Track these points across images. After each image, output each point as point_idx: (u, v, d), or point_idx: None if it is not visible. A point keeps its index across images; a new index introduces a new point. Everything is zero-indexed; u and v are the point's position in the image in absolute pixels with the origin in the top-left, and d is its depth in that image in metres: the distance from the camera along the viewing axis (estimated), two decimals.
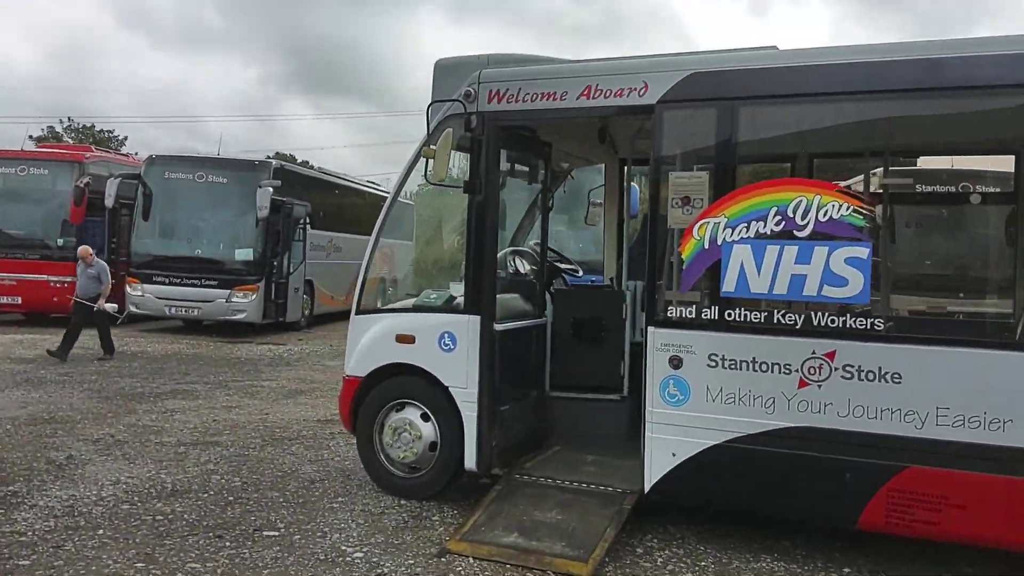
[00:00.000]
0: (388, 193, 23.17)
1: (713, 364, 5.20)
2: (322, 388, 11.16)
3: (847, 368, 4.88)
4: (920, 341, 4.80)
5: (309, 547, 5.17)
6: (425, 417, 6.12)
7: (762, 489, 5.11)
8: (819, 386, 4.95)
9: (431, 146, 5.75)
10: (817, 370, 4.96)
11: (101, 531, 5.38)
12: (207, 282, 16.18)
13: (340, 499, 6.16)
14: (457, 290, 6.07)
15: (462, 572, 4.83)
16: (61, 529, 5.38)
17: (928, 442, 4.72)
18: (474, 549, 5.09)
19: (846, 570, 4.97)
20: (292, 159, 26.96)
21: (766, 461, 5.05)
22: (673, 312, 5.32)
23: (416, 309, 6.28)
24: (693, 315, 5.27)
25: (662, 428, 5.32)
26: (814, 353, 4.96)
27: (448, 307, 6.13)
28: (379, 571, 4.81)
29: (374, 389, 6.31)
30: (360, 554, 5.07)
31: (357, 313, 6.52)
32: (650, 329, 5.37)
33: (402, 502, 6.08)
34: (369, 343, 6.34)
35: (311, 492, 6.34)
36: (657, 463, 5.33)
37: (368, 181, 24.68)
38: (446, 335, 5.99)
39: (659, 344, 5.34)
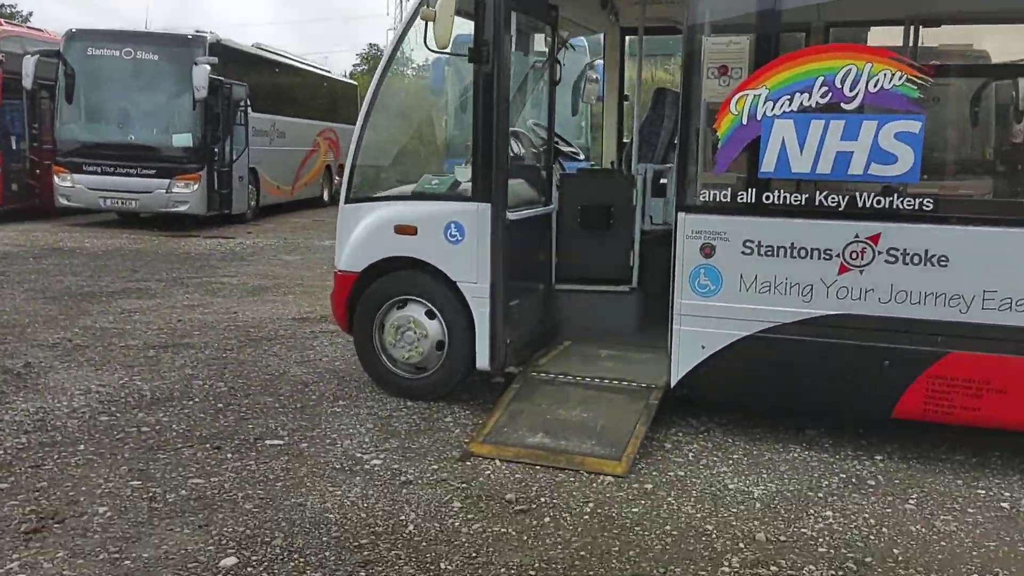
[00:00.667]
0: (331, 74, 22.27)
1: (748, 251, 5.14)
2: (287, 284, 10.93)
3: (891, 252, 4.87)
4: (970, 222, 4.78)
5: (320, 455, 5.10)
6: (430, 314, 6.00)
7: (795, 380, 5.16)
8: (861, 271, 4.94)
9: (430, 7, 5.38)
10: (859, 254, 4.94)
11: (82, 446, 5.18)
12: (144, 171, 15.54)
13: (341, 403, 6.07)
14: (463, 175, 5.84)
15: (491, 476, 4.82)
16: (36, 446, 5.16)
17: (972, 326, 4.77)
18: (499, 451, 5.07)
19: (878, 457, 5.09)
20: None
21: (801, 351, 5.08)
22: (706, 196, 5.22)
23: (417, 197, 6.06)
24: (728, 199, 5.16)
25: (691, 320, 5.30)
26: (857, 237, 4.92)
27: (454, 194, 5.91)
28: (403, 478, 4.77)
29: (372, 285, 6.15)
30: (378, 461, 5.02)
31: (347, 202, 6.29)
32: (680, 216, 5.27)
33: (409, 404, 6.02)
34: (364, 235, 6.13)
35: (307, 396, 6.24)
36: (685, 356, 5.33)
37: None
38: (452, 225, 5.81)
39: (690, 231, 5.25)
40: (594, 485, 4.69)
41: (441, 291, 5.92)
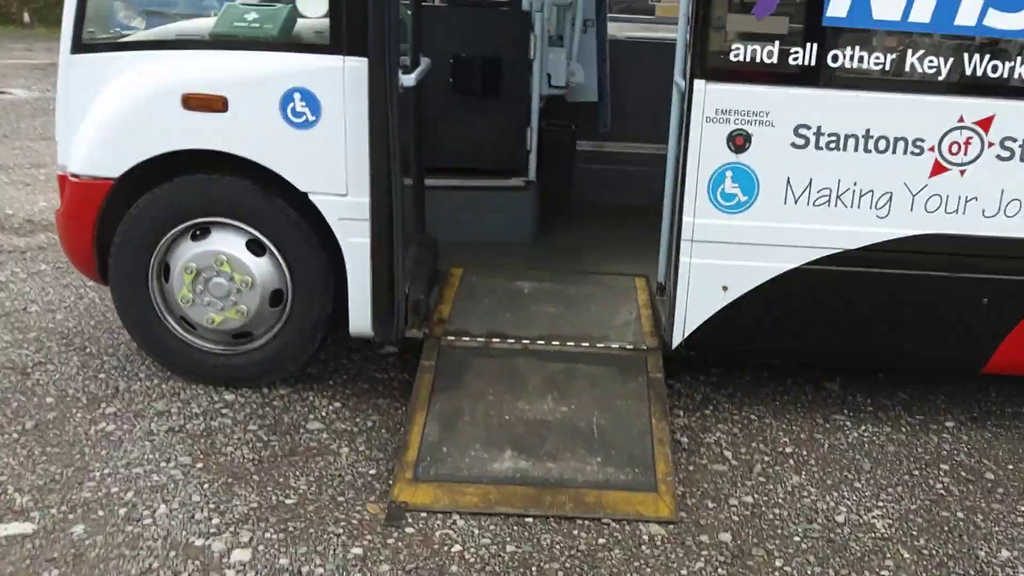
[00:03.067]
0: None
1: (801, 142, 3.35)
2: None
3: (1007, 143, 3.34)
4: None
5: (123, 552, 2.69)
6: (256, 247, 3.56)
7: (857, 328, 3.59)
8: (962, 172, 3.38)
9: None
10: (963, 147, 3.35)
11: None
12: None
13: (108, 410, 3.50)
14: (314, 7, 3.36)
15: (465, 557, 2.74)
16: None
17: None
18: (453, 496, 2.98)
19: (948, 423, 3.74)
20: None
21: (870, 288, 3.49)
22: (740, 54, 3.28)
23: (223, 43, 3.46)
24: (774, 59, 3.28)
25: (709, 249, 3.45)
26: (962, 121, 3.32)
27: (294, 41, 3.44)
28: None
29: (142, 201, 3.52)
30: (243, 555, 2.71)
31: (78, 50, 3.52)
32: (698, 85, 3.30)
33: (227, 396, 3.64)
34: (120, 113, 3.45)
35: (36, 400, 3.57)
36: (697, 303, 3.51)
37: None
38: (297, 96, 3.36)
39: (713, 111, 3.32)
40: (645, 549, 2.82)
41: (276, 209, 3.51)
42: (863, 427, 3.66)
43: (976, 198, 3.39)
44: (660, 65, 5.66)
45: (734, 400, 3.83)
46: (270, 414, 3.52)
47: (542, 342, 3.66)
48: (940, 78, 3.30)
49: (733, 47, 3.29)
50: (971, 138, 3.34)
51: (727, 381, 3.99)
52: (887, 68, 3.30)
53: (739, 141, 3.35)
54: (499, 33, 4.58)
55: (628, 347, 3.66)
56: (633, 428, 3.26)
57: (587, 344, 3.67)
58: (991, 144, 3.34)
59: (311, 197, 3.46)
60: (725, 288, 3.50)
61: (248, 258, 3.55)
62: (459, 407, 3.32)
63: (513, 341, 3.66)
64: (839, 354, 3.74)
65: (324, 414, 3.55)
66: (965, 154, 3.36)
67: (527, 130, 4.69)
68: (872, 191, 3.40)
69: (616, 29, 6.02)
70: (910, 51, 3.29)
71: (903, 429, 3.67)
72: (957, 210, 3.41)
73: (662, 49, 6.11)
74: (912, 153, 3.36)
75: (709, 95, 3.32)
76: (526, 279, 4.23)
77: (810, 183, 3.40)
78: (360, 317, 3.53)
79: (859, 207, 3.41)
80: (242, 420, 3.47)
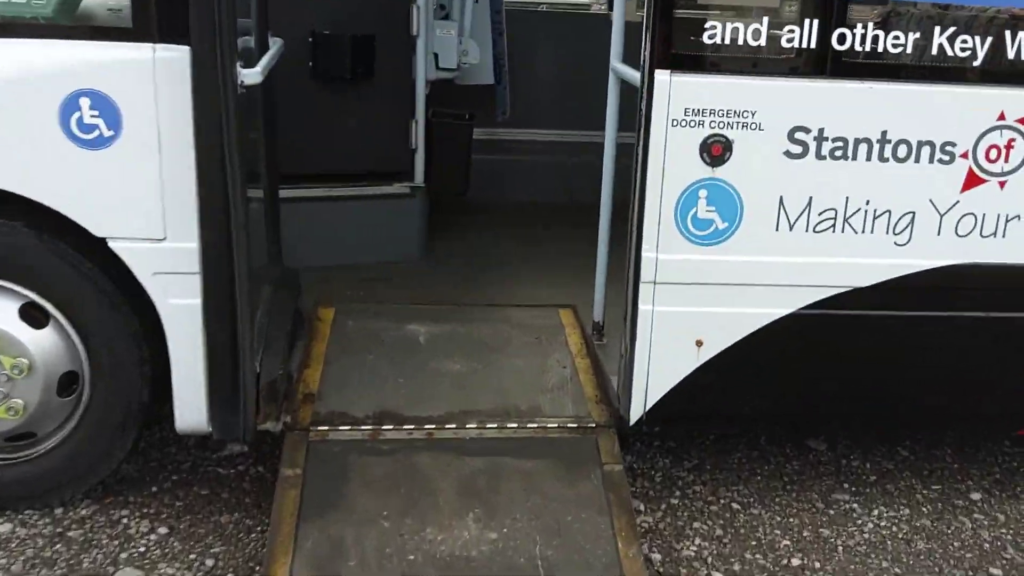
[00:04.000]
0: None
1: (798, 150, 2.53)
2: None
3: None
4: None
5: None
6: (33, 313, 2.50)
7: (870, 386, 2.83)
8: (1002, 184, 2.63)
9: None
10: (1003, 152, 2.61)
11: None
12: None
13: None
14: None
15: None
16: None
17: None
18: None
19: (975, 496, 3.04)
20: None
21: (887, 335, 2.73)
22: (717, 36, 2.42)
23: None
24: (762, 40, 2.44)
25: (678, 293, 2.61)
26: (1003, 118, 2.57)
27: (81, 24, 2.44)
28: None
29: None
30: None
31: None
32: (660, 76, 2.42)
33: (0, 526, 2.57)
34: None
35: None
36: (663, 364, 2.66)
37: None
38: (86, 101, 2.31)
39: (681, 110, 2.45)
40: None
41: (63, 262, 2.46)
42: (875, 511, 2.90)
43: (1019, 217, 2.66)
44: (560, 37, 4.93)
45: (703, 477, 3.01)
46: (63, 556, 2.47)
47: (452, 426, 2.72)
48: (976, 63, 2.52)
49: (709, 25, 2.42)
50: (1014, 140, 2.59)
51: (688, 446, 3.17)
52: (909, 51, 2.50)
53: (716, 150, 2.50)
54: (372, 4, 3.61)
55: (570, 424, 2.77)
56: (594, 560, 2.36)
57: (514, 424, 2.76)
58: None
59: (111, 244, 2.41)
60: (699, 343, 2.66)
61: (22, 331, 2.48)
62: (339, 542, 2.34)
63: (412, 427, 2.70)
64: (844, 416, 2.99)
65: (144, 548, 2.52)
66: (1006, 161, 2.61)
67: (411, 123, 3.80)
68: (889, 211, 2.61)
69: None
70: (938, 28, 2.49)
71: (924, 509, 2.94)
72: (995, 233, 2.67)
73: (560, 18, 5.39)
74: (940, 161, 2.59)
75: (676, 90, 2.44)
76: (420, 320, 3.28)
77: (809, 203, 2.58)
78: (190, 408, 2.52)
79: (872, 232, 2.62)
80: (20, 571, 2.41)
